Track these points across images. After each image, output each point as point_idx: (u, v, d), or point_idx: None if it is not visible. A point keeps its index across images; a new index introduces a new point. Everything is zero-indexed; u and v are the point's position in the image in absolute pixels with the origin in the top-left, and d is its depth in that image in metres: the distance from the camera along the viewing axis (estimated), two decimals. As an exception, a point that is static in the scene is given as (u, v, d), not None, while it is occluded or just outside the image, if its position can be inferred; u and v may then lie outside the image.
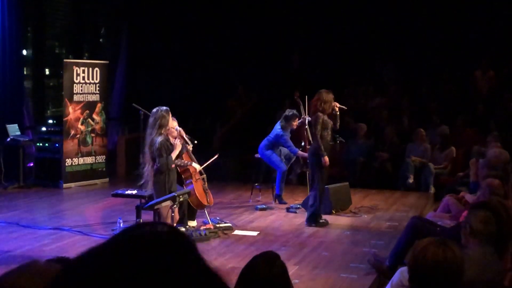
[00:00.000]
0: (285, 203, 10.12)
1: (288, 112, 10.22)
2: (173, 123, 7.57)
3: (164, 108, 6.97)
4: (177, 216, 6.88)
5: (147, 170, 6.88)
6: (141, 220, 8.13)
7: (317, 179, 8.76)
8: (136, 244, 1.25)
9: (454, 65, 14.54)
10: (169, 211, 6.78)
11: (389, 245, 7.23)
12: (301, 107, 10.36)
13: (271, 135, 10.22)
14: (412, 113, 13.67)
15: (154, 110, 7.01)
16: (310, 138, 10.17)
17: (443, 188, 10.76)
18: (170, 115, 6.96)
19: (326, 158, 8.62)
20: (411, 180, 11.76)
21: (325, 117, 8.67)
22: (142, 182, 7.32)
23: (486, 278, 3.84)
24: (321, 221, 8.83)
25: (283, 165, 10.18)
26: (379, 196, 11.12)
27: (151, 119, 6.93)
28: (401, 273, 3.91)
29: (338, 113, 8.91)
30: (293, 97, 10.56)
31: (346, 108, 9.38)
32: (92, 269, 1.22)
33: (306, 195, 10.01)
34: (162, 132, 6.82)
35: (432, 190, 11.58)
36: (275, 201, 10.32)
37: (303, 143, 10.29)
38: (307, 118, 10.00)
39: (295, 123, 10.13)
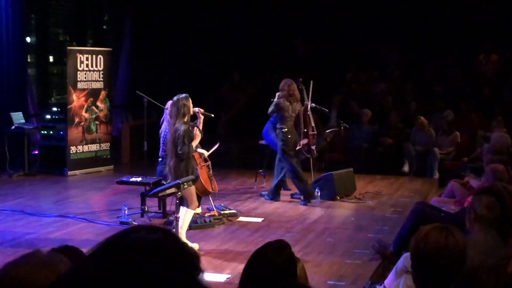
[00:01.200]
0: (288, 189, 10.11)
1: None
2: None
3: (184, 95, 6.89)
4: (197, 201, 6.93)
5: (169, 158, 6.87)
6: (146, 208, 8.17)
7: (285, 161, 9.18)
8: (127, 251, 1.22)
9: (458, 49, 14.48)
10: (195, 193, 6.82)
11: (394, 231, 7.23)
12: (304, 93, 10.33)
13: (272, 117, 10.22)
14: (416, 97, 13.62)
15: (174, 99, 6.93)
16: (313, 124, 10.21)
17: (448, 173, 10.76)
18: (190, 101, 6.90)
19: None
20: (406, 168, 11.77)
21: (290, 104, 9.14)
22: (166, 173, 7.25)
23: (490, 264, 3.83)
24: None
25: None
26: (383, 182, 11.12)
27: (173, 109, 6.87)
28: (406, 259, 3.91)
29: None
30: (297, 82, 10.52)
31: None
32: (86, 278, 1.21)
33: (310, 181, 10.02)
34: (186, 120, 6.78)
35: (436, 175, 11.57)
36: (263, 171, 10.38)
37: (305, 129, 10.25)
38: (310, 104, 10.06)
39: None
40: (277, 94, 9.40)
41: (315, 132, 10.44)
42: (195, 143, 6.93)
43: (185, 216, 6.84)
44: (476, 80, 14.05)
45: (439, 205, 7.16)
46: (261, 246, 3.02)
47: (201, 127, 7.40)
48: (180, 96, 6.88)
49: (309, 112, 10.24)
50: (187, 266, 1.24)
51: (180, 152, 6.71)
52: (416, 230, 6.16)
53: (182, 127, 6.71)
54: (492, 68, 14.07)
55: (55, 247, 2.59)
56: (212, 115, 8.12)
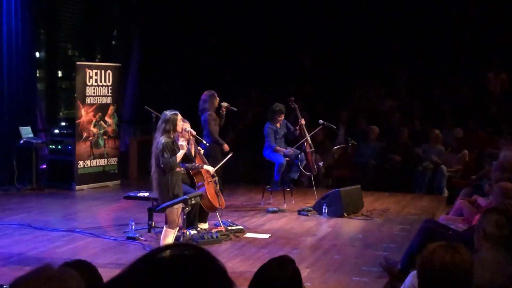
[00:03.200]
0: (277, 189, 10.27)
1: (275, 106, 10.36)
2: (185, 125, 7.58)
3: (172, 112, 6.93)
4: (180, 221, 6.88)
5: (153, 172, 6.88)
6: (153, 223, 8.17)
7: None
8: (161, 268, 1.23)
9: (466, 67, 14.48)
10: (177, 214, 6.77)
11: (401, 248, 7.21)
12: (297, 111, 10.46)
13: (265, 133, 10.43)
14: (424, 115, 13.62)
15: (163, 113, 7.01)
16: (310, 141, 10.34)
17: (456, 191, 10.72)
18: (180, 117, 6.92)
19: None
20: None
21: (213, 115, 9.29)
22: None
23: (499, 282, 3.81)
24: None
25: (281, 157, 10.19)
26: (391, 199, 11.08)
27: (159, 123, 6.93)
28: (413, 277, 3.89)
29: (224, 112, 9.42)
30: (288, 102, 10.63)
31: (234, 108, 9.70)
32: None
33: (316, 198, 10.02)
34: (170, 135, 6.79)
35: (445, 193, 11.53)
36: (271, 186, 10.42)
37: (304, 146, 10.35)
38: (303, 122, 10.18)
39: (281, 118, 10.33)
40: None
41: (313, 149, 10.52)
42: (179, 156, 6.88)
43: (163, 235, 6.82)
44: (484, 97, 14.03)
45: (447, 223, 7.13)
46: (266, 262, 3.02)
47: (192, 147, 7.43)
48: (169, 112, 6.91)
49: (304, 130, 10.35)
50: (220, 280, 1.25)
51: (162, 165, 6.71)
52: (423, 248, 6.14)
53: (163, 140, 6.72)
54: (500, 86, 14.06)
55: (67, 261, 2.60)
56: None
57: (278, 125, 10.37)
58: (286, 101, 10.64)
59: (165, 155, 6.67)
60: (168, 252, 1.28)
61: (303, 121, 10.40)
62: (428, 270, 2.88)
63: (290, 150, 10.25)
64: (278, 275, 2.91)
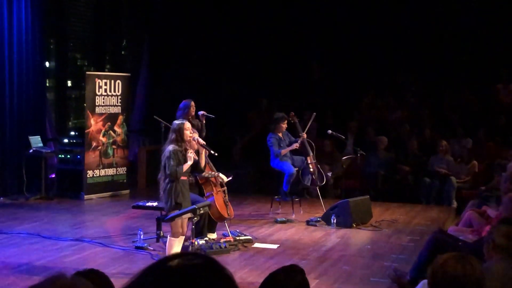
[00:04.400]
0: (286, 199, 10.25)
1: (276, 115, 10.47)
2: (193, 135, 7.60)
3: (180, 121, 6.98)
4: (185, 230, 6.87)
5: (159, 179, 6.92)
6: (161, 233, 8.17)
7: None
8: (171, 277, 1.23)
9: (475, 77, 14.45)
10: (181, 223, 6.77)
11: (410, 259, 7.19)
12: (298, 126, 10.49)
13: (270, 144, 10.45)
14: (433, 125, 13.59)
15: (172, 123, 7.06)
16: (311, 154, 10.39)
17: (465, 202, 10.68)
18: (187, 126, 6.92)
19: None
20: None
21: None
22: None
23: (509, 294, 3.79)
24: None
25: (291, 167, 10.19)
26: (400, 210, 11.05)
27: (170, 133, 6.98)
28: (424, 285, 3.86)
29: (203, 122, 9.33)
30: (289, 116, 10.65)
31: (212, 116, 9.56)
32: None
33: (325, 208, 10.01)
34: (178, 144, 6.80)
35: (454, 204, 11.49)
36: (279, 196, 10.42)
37: (308, 161, 10.38)
38: (304, 136, 10.26)
39: (284, 124, 10.38)
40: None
41: (315, 160, 10.55)
42: (186, 166, 6.88)
43: (168, 244, 6.83)
44: (493, 108, 14.00)
45: (456, 234, 7.10)
46: (275, 270, 3.01)
47: (202, 158, 7.42)
48: (176, 122, 6.96)
49: (306, 143, 10.38)
50: None
51: (168, 172, 6.72)
52: (433, 259, 6.11)
53: (171, 148, 6.75)
54: (510, 97, 14.02)
55: (79, 270, 2.60)
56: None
57: (280, 134, 10.40)
58: (288, 115, 10.67)
59: (172, 163, 6.69)
60: (177, 261, 1.28)
61: (304, 135, 10.44)
62: (440, 281, 2.87)
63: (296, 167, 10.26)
64: (285, 284, 2.91)
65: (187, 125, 6.89)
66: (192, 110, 9.22)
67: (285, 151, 10.22)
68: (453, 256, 2.92)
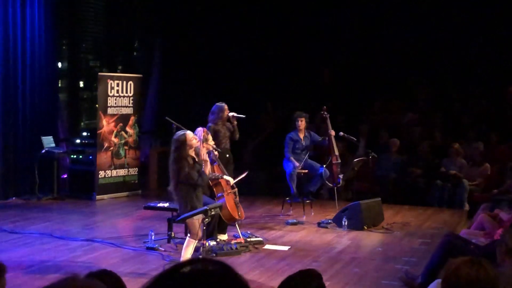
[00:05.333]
0: (297, 201, 10.24)
1: (294, 114, 10.58)
2: (208, 137, 7.68)
3: (180, 135, 6.88)
4: (200, 232, 6.86)
5: (173, 185, 6.91)
6: (173, 234, 8.19)
7: None
8: (185, 283, 1.23)
9: (487, 80, 14.38)
10: (199, 224, 6.76)
11: (422, 262, 7.16)
12: (328, 122, 10.45)
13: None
14: (445, 128, 13.54)
15: (174, 135, 7.03)
16: (337, 153, 10.34)
17: (477, 205, 10.64)
18: (190, 137, 6.85)
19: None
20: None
21: (216, 127, 9.15)
22: None
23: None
24: None
25: (291, 167, 10.18)
26: (411, 213, 11.01)
27: (172, 147, 6.92)
28: (437, 285, 3.83)
29: (235, 123, 9.34)
30: (321, 111, 10.63)
31: (243, 116, 9.54)
32: None
33: (337, 210, 9.99)
34: (187, 155, 6.77)
35: (466, 207, 11.44)
36: (290, 198, 10.41)
37: (332, 160, 10.36)
38: (333, 133, 10.20)
39: (299, 123, 10.43)
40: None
41: (339, 161, 10.51)
42: (206, 171, 6.92)
43: (185, 245, 6.82)
44: (505, 111, 13.92)
45: (468, 237, 7.08)
46: (293, 274, 3.00)
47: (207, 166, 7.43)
48: (179, 134, 6.91)
49: (333, 142, 10.34)
50: None
51: (192, 182, 6.75)
52: (445, 262, 6.07)
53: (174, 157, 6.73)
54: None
55: (92, 271, 2.61)
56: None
57: (301, 135, 10.38)
58: (320, 110, 10.68)
59: (193, 176, 6.71)
60: (191, 267, 1.28)
61: (333, 132, 10.40)
62: (453, 285, 2.86)
63: (298, 165, 10.23)
64: None
65: (188, 135, 6.85)
66: (226, 113, 9.22)
67: (291, 160, 10.21)
68: (466, 261, 2.91)
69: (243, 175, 8.95)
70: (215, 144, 8.95)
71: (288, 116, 14.58)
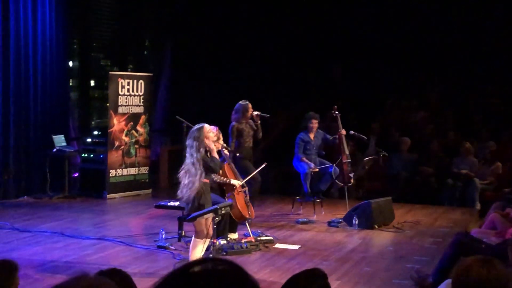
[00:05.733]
0: (308, 200, 10.21)
1: (306, 114, 10.56)
2: (219, 135, 7.69)
3: (197, 127, 6.85)
4: (210, 232, 6.83)
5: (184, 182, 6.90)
6: (183, 232, 8.20)
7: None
8: (194, 282, 1.23)
9: (499, 78, 14.31)
10: (205, 224, 6.74)
11: (433, 261, 7.13)
12: (339, 121, 10.41)
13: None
14: (457, 126, 13.49)
15: (190, 131, 6.98)
16: (347, 152, 10.32)
17: (488, 204, 10.59)
18: (207, 129, 6.83)
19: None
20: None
21: (240, 126, 9.13)
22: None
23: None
24: None
25: (305, 167, 10.16)
26: (422, 211, 10.97)
27: (188, 141, 6.87)
28: (447, 285, 3.81)
29: (258, 122, 9.31)
30: (331, 110, 10.59)
31: (267, 115, 9.52)
32: None
33: (347, 209, 9.97)
34: (200, 150, 6.75)
35: (478, 206, 11.39)
36: (301, 197, 10.40)
37: (342, 160, 10.33)
38: (343, 132, 10.18)
39: (312, 124, 10.38)
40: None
41: (350, 160, 10.48)
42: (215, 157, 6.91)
43: (192, 245, 6.81)
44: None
45: (479, 236, 7.04)
46: (297, 273, 2.99)
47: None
48: (195, 128, 6.85)
49: (344, 141, 10.32)
50: None
51: (213, 168, 6.77)
52: (456, 261, 6.04)
53: (198, 156, 6.68)
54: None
55: (102, 270, 2.61)
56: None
57: (312, 135, 10.35)
58: (330, 109, 10.65)
59: (211, 164, 6.70)
60: (201, 267, 1.27)
61: (343, 132, 10.35)
62: (464, 285, 2.84)
63: (313, 165, 10.21)
64: None
65: (205, 128, 6.82)
66: (250, 112, 9.19)
67: (304, 160, 10.18)
68: (477, 260, 2.89)
69: (262, 167, 8.96)
70: (239, 143, 8.96)
71: (299, 115, 14.61)
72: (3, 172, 10.92)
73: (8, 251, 7.45)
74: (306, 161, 10.23)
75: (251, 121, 9.32)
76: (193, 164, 6.69)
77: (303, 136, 10.37)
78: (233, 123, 9.23)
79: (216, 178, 8.12)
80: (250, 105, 9.24)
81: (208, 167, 6.70)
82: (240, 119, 9.21)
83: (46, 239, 8.33)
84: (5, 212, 10.07)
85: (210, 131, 6.90)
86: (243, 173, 8.82)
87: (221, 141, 7.92)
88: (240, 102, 9.32)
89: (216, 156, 6.86)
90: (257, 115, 9.32)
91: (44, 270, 6.86)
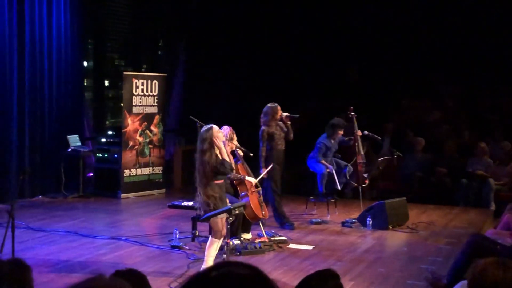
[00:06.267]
0: (322, 200, 10.17)
1: (337, 121, 10.36)
2: (233, 136, 7.68)
3: (206, 127, 6.82)
4: (224, 231, 6.82)
5: (197, 183, 6.90)
6: (197, 232, 8.21)
7: (269, 189, 9.14)
8: (216, 286, 1.23)
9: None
10: (222, 223, 6.74)
11: (448, 262, 7.10)
12: (354, 122, 10.37)
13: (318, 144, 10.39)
14: (472, 126, 13.42)
15: (200, 133, 6.95)
16: (362, 153, 10.28)
17: (503, 204, 10.52)
18: (216, 130, 6.82)
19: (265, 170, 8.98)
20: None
21: (270, 130, 9.04)
22: None
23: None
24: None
25: (323, 167, 10.13)
26: (437, 212, 10.93)
27: (198, 143, 6.86)
28: (462, 286, 3.80)
29: (288, 124, 9.23)
30: (347, 111, 10.56)
31: (297, 116, 9.50)
32: None
33: (361, 209, 9.94)
34: (210, 151, 6.74)
35: (493, 206, 11.33)
36: (315, 197, 10.39)
37: (357, 160, 10.31)
38: (359, 133, 10.16)
39: (341, 132, 10.32)
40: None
41: (364, 161, 10.45)
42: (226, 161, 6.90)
43: (208, 244, 6.81)
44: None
45: (494, 237, 6.99)
46: (310, 274, 2.99)
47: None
48: (203, 129, 6.83)
49: (359, 141, 10.29)
50: None
51: (226, 173, 6.76)
52: (471, 263, 6.01)
53: (208, 159, 6.68)
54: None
55: (119, 270, 2.62)
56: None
57: (333, 141, 10.31)
58: (345, 110, 10.62)
59: (221, 169, 6.68)
60: (222, 271, 1.27)
61: (359, 133, 10.31)
62: (479, 287, 2.83)
63: (332, 168, 10.19)
64: None
65: (214, 129, 6.80)
66: (279, 114, 9.13)
67: (324, 163, 10.13)
68: (493, 262, 2.88)
69: (269, 168, 8.95)
70: (271, 146, 8.92)
71: (314, 116, 14.60)
72: (19, 172, 10.99)
73: (23, 250, 7.49)
74: (325, 163, 10.18)
75: (280, 122, 9.25)
76: (198, 170, 6.70)
77: (326, 142, 10.23)
78: (263, 127, 9.12)
79: (231, 175, 8.13)
80: (279, 107, 9.16)
81: (218, 171, 6.70)
82: (270, 122, 9.11)
83: (61, 239, 8.37)
84: (20, 211, 10.09)
85: (219, 131, 6.87)
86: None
87: (235, 141, 7.93)
88: (269, 104, 9.19)
89: (227, 158, 6.83)
90: (286, 116, 9.23)
91: (59, 269, 6.90)
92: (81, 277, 1.65)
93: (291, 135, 9.33)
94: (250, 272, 1.26)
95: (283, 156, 9.35)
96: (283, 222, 9.30)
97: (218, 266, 1.29)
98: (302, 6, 15.14)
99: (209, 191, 6.68)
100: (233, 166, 7.43)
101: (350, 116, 10.44)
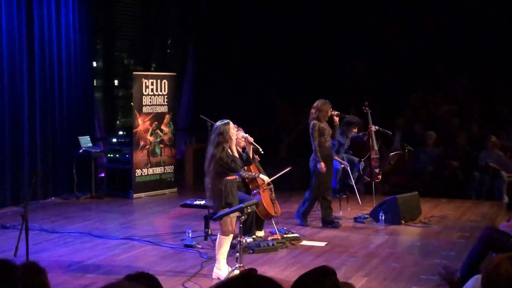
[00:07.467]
0: (334, 197, 9.99)
1: (352, 118, 10.29)
2: (239, 133, 7.61)
3: (223, 122, 6.81)
4: (234, 228, 6.81)
5: (208, 181, 6.89)
6: (209, 231, 8.22)
7: (314, 185, 9.12)
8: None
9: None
10: (230, 222, 6.74)
11: (461, 256, 7.08)
12: (369, 117, 10.33)
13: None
14: (483, 120, 13.36)
15: (214, 126, 6.93)
16: (376, 148, 10.25)
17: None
18: (231, 126, 6.83)
19: (322, 164, 8.93)
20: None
21: (321, 125, 8.96)
22: None
23: None
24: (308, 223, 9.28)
25: (337, 163, 10.08)
26: (449, 206, 10.90)
27: (212, 136, 6.85)
28: (477, 280, 3.77)
29: (337, 123, 9.24)
30: (361, 106, 10.53)
31: (346, 115, 9.47)
32: None
33: (374, 205, 9.92)
34: (224, 146, 6.74)
35: (505, 199, 11.28)
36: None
37: (371, 155, 10.28)
38: (373, 128, 10.12)
39: (355, 129, 10.35)
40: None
41: (378, 156, 10.43)
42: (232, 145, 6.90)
43: (218, 242, 6.80)
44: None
45: (507, 230, 6.96)
46: (307, 271, 2.97)
47: (250, 154, 7.33)
48: (220, 123, 6.81)
49: (373, 137, 10.25)
50: None
51: (233, 170, 6.77)
52: (484, 256, 6.02)
53: (218, 154, 6.66)
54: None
55: (130, 274, 2.61)
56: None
57: (346, 137, 10.30)
58: (360, 105, 10.59)
59: (232, 165, 6.69)
60: (240, 283, 1.27)
61: (373, 128, 10.25)
62: (494, 283, 2.81)
63: (346, 164, 10.17)
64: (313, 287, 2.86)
65: (231, 124, 6.82)
66: (330, 111, 9.06)
67: (337, 159, 10.09)
68: (507, 257, 2.86)
69: (286, 170, 8.94)
70: (320, 142, 8.88)
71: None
72: (31, 174, 11.04)
73: (37, 252, 7.53)
74: (339, 159, 10.17)
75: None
76: (208, 160, 6.71)
77: (340, 139, 10.18)
78: (314, 121, 9.00)
79: (243, 173, 8.14)
80: (329, 104, 9.12)
81: (229, 167, 6.71)
82: (322, 118, 9.02)
83: (74, 240, 8.40)
84: (33, 213, 10.13)
85: (234, 128, 6.90)
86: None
87: (242, 132, 7.86)
88: (321, 100, 9.05)
89: (237, 154, 6.84)
90: (337, 114, 9.20)
91: (72, 270, 6.92)
92: (95, 277, 1.64)
93: (337, 133, 9.31)
94: (268, 284, 1.26)
95: (330, 154, 9.29)
96: (301, 219, 9.29)
97: (236, 279, 1.29)
98: (313, 2, 15.11)
99: (216, 183, 6.70)
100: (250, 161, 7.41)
101: (365, 111, 10.40)
